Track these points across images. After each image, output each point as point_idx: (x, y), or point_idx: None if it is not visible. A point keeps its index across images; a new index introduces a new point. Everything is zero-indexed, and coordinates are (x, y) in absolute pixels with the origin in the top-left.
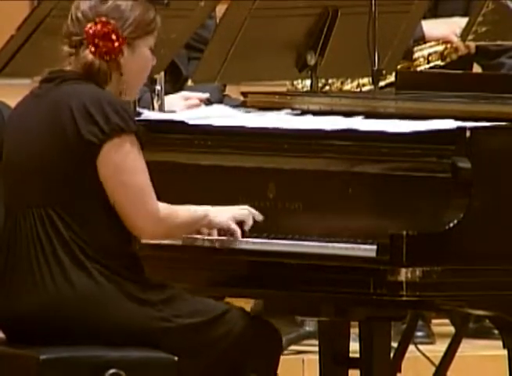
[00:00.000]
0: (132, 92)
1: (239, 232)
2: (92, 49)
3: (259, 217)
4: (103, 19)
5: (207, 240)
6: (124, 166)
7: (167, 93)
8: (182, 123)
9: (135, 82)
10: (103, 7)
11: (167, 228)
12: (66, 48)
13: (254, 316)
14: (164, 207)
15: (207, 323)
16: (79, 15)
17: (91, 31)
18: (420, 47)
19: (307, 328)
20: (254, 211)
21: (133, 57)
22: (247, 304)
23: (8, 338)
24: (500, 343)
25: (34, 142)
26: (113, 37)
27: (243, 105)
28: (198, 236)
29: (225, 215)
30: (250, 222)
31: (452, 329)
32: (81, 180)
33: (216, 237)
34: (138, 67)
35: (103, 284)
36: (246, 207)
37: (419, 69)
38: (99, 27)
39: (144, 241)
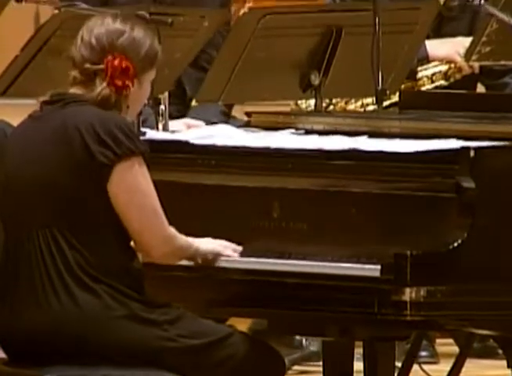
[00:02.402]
0: (130, 117)
1: (229, 250)
2: (111, 82)
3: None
4: (121, 54)
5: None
6: (137, 188)
7: (172, 115)
8: (186, 143)
9: (134, 113)
10: (119, 40)
11: (174, 248)
12: (76, 74)
13: (257, 339)
14: (170, 228)
15: (211, 344)
16: (93, 42)
17: (110, 65)
18: (423, 67)
19: (311, 348)
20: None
21: (139, 90)
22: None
23: (10, 357)
24: (504, 363)
25: (38, 163)
26: (130, 73)
27: (246, 125)
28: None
29: (209, 243)
30: (236, 247)
31: (456, 349)
32: (88, 201)
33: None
34: (141, 99)
35: (108, 304)
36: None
37: (423, 89)
38: (117, 61)
39: (146, 261)
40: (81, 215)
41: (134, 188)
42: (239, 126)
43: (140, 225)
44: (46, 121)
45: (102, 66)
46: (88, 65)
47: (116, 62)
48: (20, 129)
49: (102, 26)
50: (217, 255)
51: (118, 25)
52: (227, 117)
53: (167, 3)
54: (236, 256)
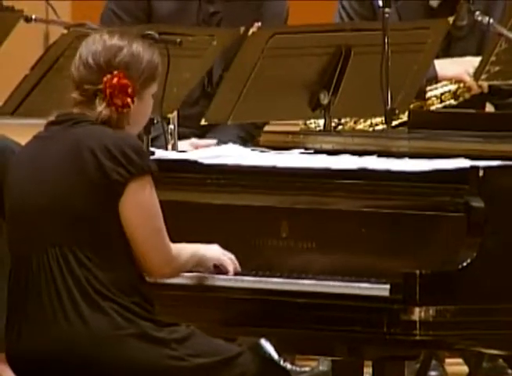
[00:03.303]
0: (136, 132)
1: (231, 265)
2: (110, 103)
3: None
4: (119, 72)
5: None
6: (147, 207)
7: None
8: (195, 162)
9: (138, 128)
10: (117, 59)
11: (176, 267)
12: (76, 96)
13: (267, 359)
14: (173, 247)
15: (221, 363)
16: (90, 61)
17: (109, 85)
18: (432, 86)
19: (320, 367)
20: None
21: (140, 107)
22: None
23: None
24: None
25: (50, 183)
26: (129, 90)
27: (255, 144)
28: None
29: (214, 250)
30: (235, 262)
31: (465, 368)
32: (100, 219)
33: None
34: (143, 115)
35: (118, 322)
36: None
37: (432, 108)
38: (116, 80)
39: (153, 280)
40: (92, 233)
41: (144, 208)
42: (247, 144)
43: (146, 246)
44: (56, 140)
45: (100, 87)
46: (87, 86)
47: (114, 80)
48: (28, 149)
49: (99, 43)
50: (219, 266)
51: (116, 41)
52: (243, 142)
53: (214, 23)
54: (231, 274)
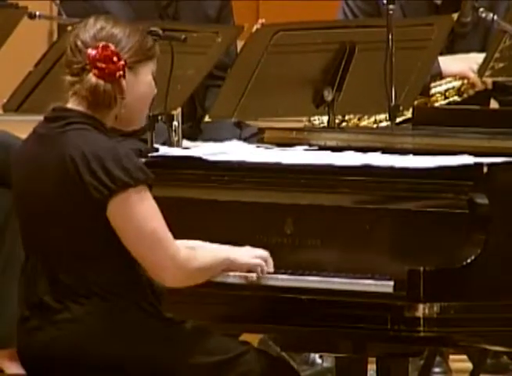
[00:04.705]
0: (134, 119)
1: (265, 267)
2: (96, 72)
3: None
4: (103, 43)
5: (237, 276)
6: (135, 217)
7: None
8: (199, 159)
9: (137, 107)
10: (102, 33)
11: (188, 271)
12: (68, 78)
13: (273, 356)
14: (183, 251)
15: (227, 361)
16: (79, 43)
17: (92, 55)
18: (437, 83)
19: (324, 364)
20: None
21: (136, 81)
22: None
23: (28, 373)
24: None
25: (41, 187)
26: (115, 59)
27: (260, 141)
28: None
29: (246, 254)
30: (270, 261)
31: (469, 365)
32: (91, 229)
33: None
34: (141, 92)
35: (127, 319)
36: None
37: (436, 105)
38: (99, 50)
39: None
40: (87, 241)
41: (130, 218)
42: (252, 135)
43: (142, 253)
44: (49, 143)
45: (87, 62)
46: (75, 66)
47: (96, 51)
48: (26, 147)
49: (84, 28)
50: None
51: (100, 23)
52: (240, 128)
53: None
54: (270, 270)
